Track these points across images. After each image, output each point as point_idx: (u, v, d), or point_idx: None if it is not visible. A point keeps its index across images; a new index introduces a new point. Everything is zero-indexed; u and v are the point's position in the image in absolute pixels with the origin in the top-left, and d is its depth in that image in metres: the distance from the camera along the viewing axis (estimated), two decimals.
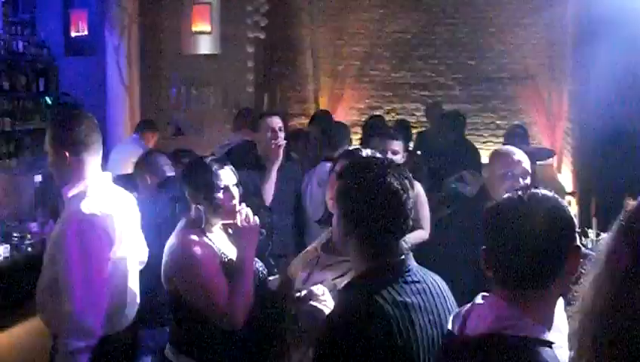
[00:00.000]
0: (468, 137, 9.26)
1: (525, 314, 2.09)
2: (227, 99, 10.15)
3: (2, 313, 5.29)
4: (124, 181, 4.98)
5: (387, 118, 10.72)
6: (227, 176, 3.72)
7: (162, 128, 9.26)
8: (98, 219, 3.49)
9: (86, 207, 3.47)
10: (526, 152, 4.49)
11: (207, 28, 9.89)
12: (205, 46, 10.24)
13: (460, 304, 2.53)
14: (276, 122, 5.70)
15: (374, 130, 8.25)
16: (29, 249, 6.19)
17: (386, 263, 2.55)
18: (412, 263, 2.61)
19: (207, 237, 3.64)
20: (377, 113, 10.69)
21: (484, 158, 7.28)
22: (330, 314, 2.67)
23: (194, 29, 9.91)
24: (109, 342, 3.58)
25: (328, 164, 4.54)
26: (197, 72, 10.46)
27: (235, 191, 3.74)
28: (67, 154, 3.56)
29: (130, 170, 5.51)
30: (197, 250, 3.52)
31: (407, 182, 2.56)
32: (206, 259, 3.50)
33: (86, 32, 10.51)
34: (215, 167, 3.71)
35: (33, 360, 3.18)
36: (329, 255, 3.35)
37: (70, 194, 3.56)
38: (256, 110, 10.03)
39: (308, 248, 3.62)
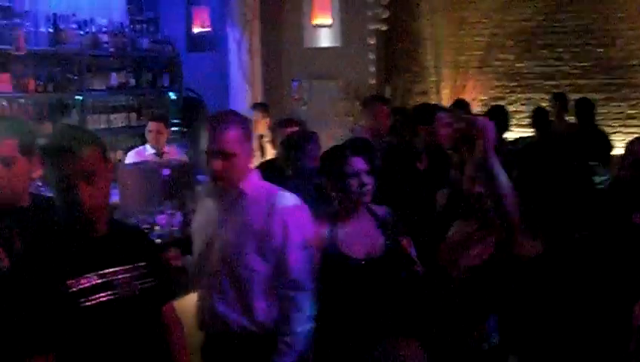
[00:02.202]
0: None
1: None
2: (348, 92, 10.09)
3: None
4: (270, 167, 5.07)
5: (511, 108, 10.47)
6: (358, 163, 3.72)
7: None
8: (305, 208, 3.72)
9: (288, 198, 3.67)
10: None
11: (328, 21, 9.86)
12: (326, 39, 10.24)
13: None
14: None
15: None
16: (158, 240, 6.25)
17: None
18: None
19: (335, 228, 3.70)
20: (501, 104, 10.42)
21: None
22: None
23: (315, 22, 9.90)
24: None
25: None
26: (318, 65, 10.44)
27: (367, 179, 3.74)
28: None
29: None
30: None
31: None
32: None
33: (208, 28, 10.60)
34: (347, 153, 3.73)
35: None
36: None
37: (249, 188, 3.63)
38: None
39: None
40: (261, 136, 8.55)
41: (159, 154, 8.12)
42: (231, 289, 3.58)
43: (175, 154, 8.37)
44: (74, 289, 2.79)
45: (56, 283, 2.77)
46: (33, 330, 2.72)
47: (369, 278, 3.75)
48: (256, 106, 9.24)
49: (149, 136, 8.27)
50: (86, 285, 2.82)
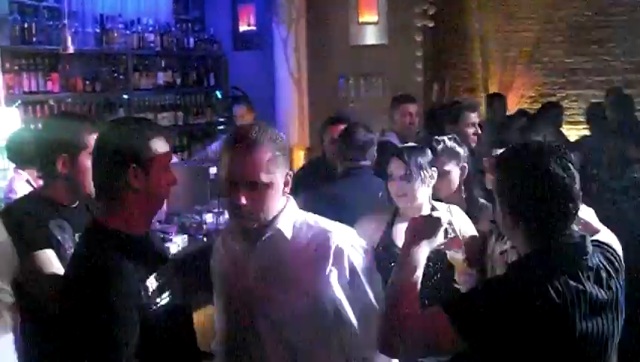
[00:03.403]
0: None
1: None
2: (395, 90, 9.98)
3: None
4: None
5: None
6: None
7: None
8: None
9: (347, 236, 3.05)
10: None
11: (375, 18, 9.82)
12: (372, 36, 10.17)
13: None
14: None
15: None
16: (205, 239, 6.25)
17: (559, 246, 2.40)
18: (590, 247, 2.43)
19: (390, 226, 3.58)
20: (551, 100, 10.25)
21: None
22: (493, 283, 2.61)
23: (361, 19, 9.86)
24: None
25: None
26: (364, 62, 10.35)
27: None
28: None
29: None
30: None
31: (569, 163, 2.39)
32: None
33: (254, 27, 10.60)
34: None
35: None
36: None
37: (287, 226, 2.89)
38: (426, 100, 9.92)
39: None
40: None
41: None
42: None
43: None
44: (144, 292, 2.65)
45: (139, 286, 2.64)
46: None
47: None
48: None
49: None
50: (150, 288, 2.69)
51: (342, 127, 5.27)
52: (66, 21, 7.76)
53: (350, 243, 2.81)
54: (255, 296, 2.79)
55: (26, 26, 8.20)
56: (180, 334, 2.83)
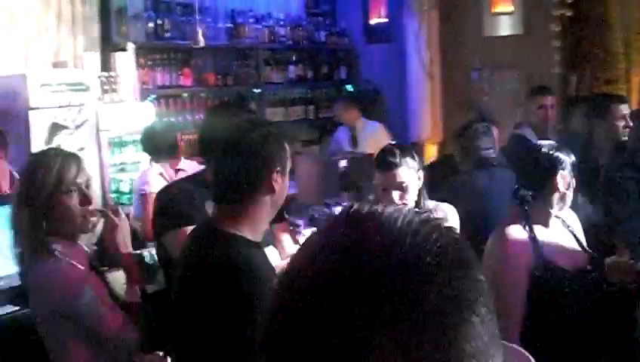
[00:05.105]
0: None
1: None
2: (531, 82, 9.67)
3: None
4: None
5: None
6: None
7: (464, 113, 9.01)
8: None
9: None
10: None
11: (509, 8, 9.53)
12: (507, 27, 9.90)
13: None
14: None
15: None
16: None
17: None
18: None
19: (532, 233, 3.29)
20: None
21: None
22: None
23: (495, 9, 9.58)
24: None
25: None
26: (499, 54, 10.07)
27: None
28: None
29: None
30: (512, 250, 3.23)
31: None
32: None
33: (385, 19, 10.47)
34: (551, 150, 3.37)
35: None
36: None
37: None
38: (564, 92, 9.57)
39: None
40: None
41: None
42: None
43: None
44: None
45: None
46: None
47: (579, 292, 3.28)
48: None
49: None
50: None
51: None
52: (197, 17, 7.86)
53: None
54: None
55: (159, 22, 8.36)
56: None
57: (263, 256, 2.67)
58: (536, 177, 3.32)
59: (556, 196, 3.30)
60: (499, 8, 9.50)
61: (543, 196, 3.30)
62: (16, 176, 4.40)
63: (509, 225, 3.30)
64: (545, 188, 3.29)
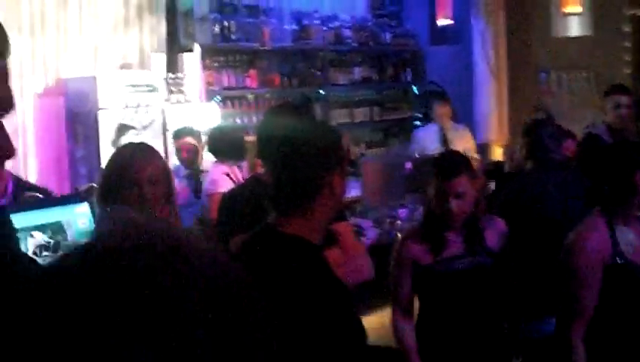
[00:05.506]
0: None
1: None
2: (601, 83, 9.51)
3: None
4: None
5: None
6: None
7: (531, 114, 8.90)
8: None
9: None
10: None
11: (578, 9, 9.36)
12: (576, 27, 9.76)
13: None
14: None
15: None
16: (398, 234, 6.15)
17: None
18: None
19: (610, 229, 3.20)
20: None
21: None
22: None
23: (564, 10, 9.42)
24: None
25: None
26: (567, 55, 9.93)
27: None
28: None
29: None
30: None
31: None
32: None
33: (452, 20, 10.39)
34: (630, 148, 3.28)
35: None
36: None
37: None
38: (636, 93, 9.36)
39: None
40: None
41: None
42: None
43: None
44: None
45: None
46: None
47: None
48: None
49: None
50: None
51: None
52: (263, 18, 7.89)
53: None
54: None
55: (225, 24, 8.42)
56: None
57: (323, 260, 2.63)
58: (616, 176, 3.24)
59: (636, 195, 3.22)
60: (568, 8, 9.35)
61: (623, 195, 3.22)
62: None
63: (590, 222, 3.24)
64: (625, 187, 3.22)
